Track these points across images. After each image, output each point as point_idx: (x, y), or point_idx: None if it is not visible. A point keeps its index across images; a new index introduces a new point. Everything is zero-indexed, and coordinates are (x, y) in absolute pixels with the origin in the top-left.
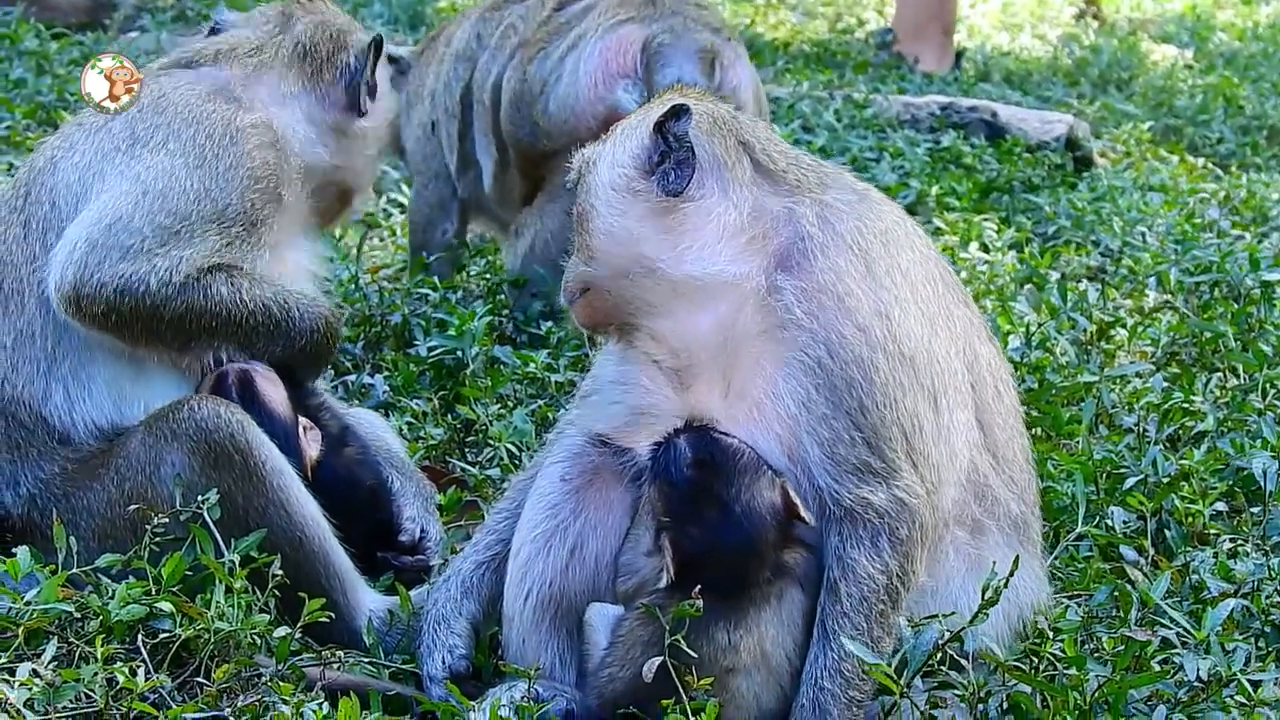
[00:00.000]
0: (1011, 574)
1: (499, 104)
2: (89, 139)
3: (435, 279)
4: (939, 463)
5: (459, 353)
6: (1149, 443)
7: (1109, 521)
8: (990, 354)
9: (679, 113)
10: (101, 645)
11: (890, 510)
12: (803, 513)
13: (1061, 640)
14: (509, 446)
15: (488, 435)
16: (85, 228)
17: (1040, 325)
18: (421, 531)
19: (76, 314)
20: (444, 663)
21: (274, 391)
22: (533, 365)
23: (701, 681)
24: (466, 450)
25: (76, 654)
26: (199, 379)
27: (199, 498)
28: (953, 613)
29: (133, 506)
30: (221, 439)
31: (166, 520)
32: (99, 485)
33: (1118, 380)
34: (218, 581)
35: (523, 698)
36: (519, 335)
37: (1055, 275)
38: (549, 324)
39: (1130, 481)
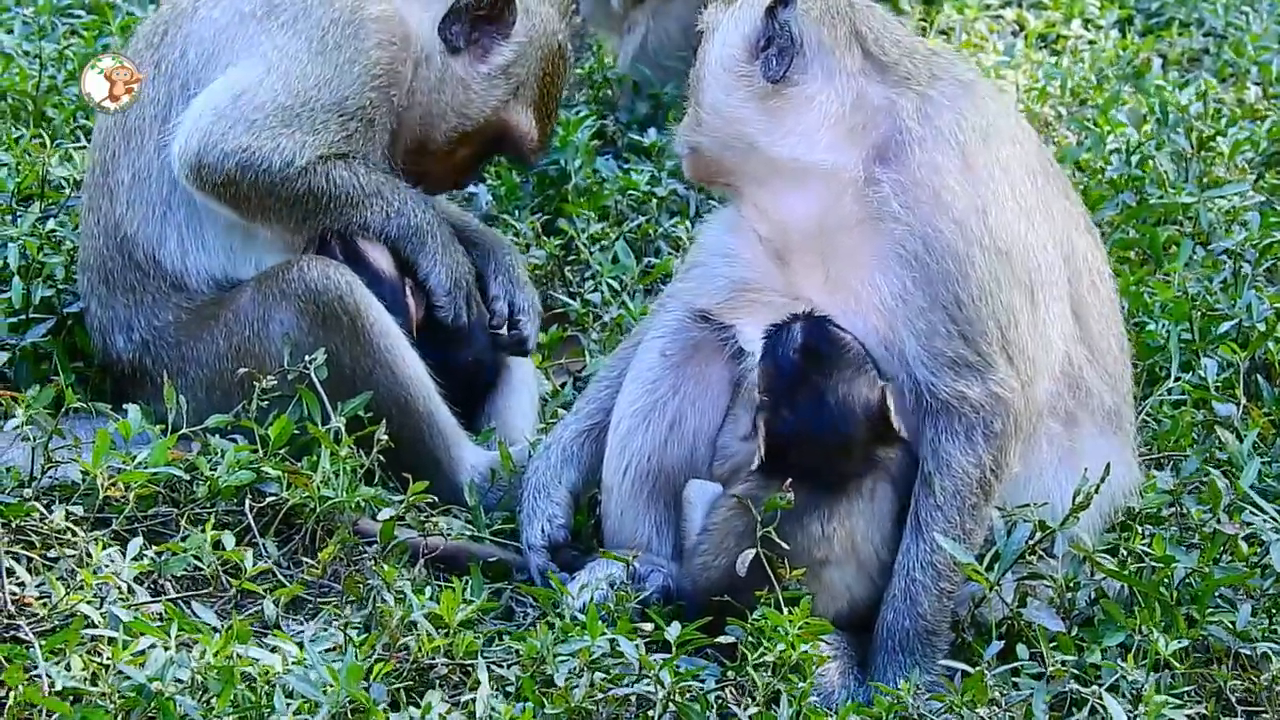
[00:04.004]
0: (1103, 480)
1: None
2: None
3: None
4: (1034, 356)
5: (562, 163)
6: (1244, 278)
7: (1201, 373)
8: (1088, 245)
9: None
10: (210, 515)
11: (985, 404)
12: (895, 422)
13: (1149, 537)
14: (610, 281)
15: (589, 257)
16: (212, 98)
17: (1140, 145)
18: (510, 305)
19: (196, 182)
20: (543, 532)
21: (376, 249)
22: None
23: (795, 572)
24: (567, 270)
25: (184, 518)
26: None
27: (306, 358)
28: (1045, 503)
29: (241, 370)
30: (330, 300)
31: (274, 382)
32: (209, 337)
33: (1215, 200)
34: (324, 447)
35: (620, 579)
36: (621, 138)
37: (1158, 63)
38: (652, 130)
39: (1224, 326)
